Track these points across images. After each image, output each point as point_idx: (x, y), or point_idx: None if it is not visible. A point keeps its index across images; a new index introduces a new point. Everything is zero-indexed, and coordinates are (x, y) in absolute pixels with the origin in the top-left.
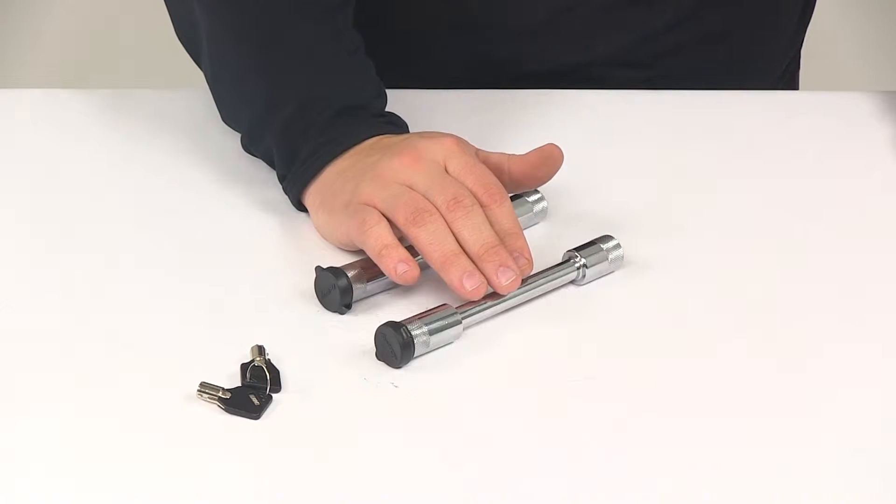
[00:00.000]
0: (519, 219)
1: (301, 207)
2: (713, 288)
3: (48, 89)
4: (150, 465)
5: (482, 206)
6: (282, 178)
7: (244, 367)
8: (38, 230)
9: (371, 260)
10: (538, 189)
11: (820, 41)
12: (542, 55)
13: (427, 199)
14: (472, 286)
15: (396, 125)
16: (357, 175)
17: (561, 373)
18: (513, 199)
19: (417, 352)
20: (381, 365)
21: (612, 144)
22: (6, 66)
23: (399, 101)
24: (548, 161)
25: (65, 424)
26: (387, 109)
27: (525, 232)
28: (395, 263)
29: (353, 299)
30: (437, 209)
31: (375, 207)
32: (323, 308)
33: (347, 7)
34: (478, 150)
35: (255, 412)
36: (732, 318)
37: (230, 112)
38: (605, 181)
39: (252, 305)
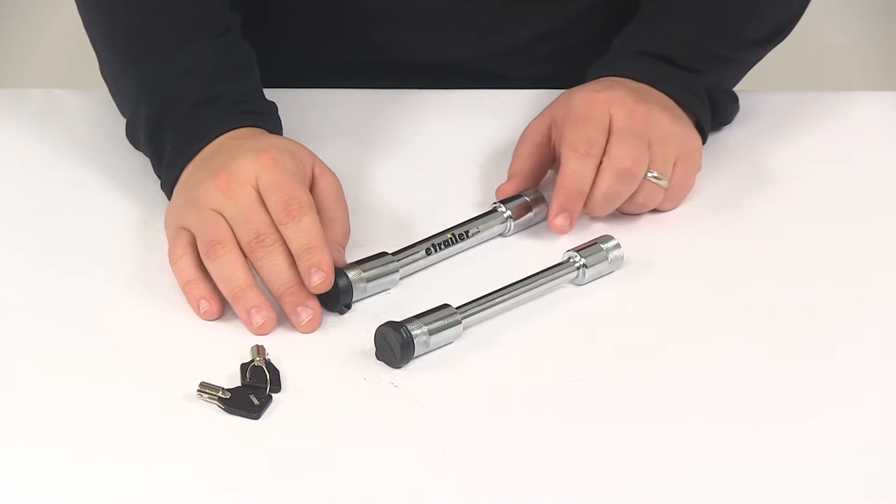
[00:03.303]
0: (519, 219)
1: None
2: (713, 288)
3: (48, 89)
4: (151, 465)
5: (280, 224)
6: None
7: (244, 367)
8: (37, 230)
9: (371, 259)
10: (537, 188)
11: (819, 41)
12: (429, 46)
13: (233, 228)
14: (259, 321)
15: (256, 113)
16: (188, 191)
17: (561, 373)
18: (513, 198)
19: (417, 351)
20: (381, 365)
21: None
22: (6, 66)
23: (389, 100)
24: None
25: (65, 424)
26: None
27: (525, 232)
28: (198, 301)
29: (353, 299)
30: (239, 242)
31: (190, 232)
32: (323, 308)
33: None
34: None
35: (255, 412)
36: (732, 318)
37: (121, 110)
38: None
39: None
